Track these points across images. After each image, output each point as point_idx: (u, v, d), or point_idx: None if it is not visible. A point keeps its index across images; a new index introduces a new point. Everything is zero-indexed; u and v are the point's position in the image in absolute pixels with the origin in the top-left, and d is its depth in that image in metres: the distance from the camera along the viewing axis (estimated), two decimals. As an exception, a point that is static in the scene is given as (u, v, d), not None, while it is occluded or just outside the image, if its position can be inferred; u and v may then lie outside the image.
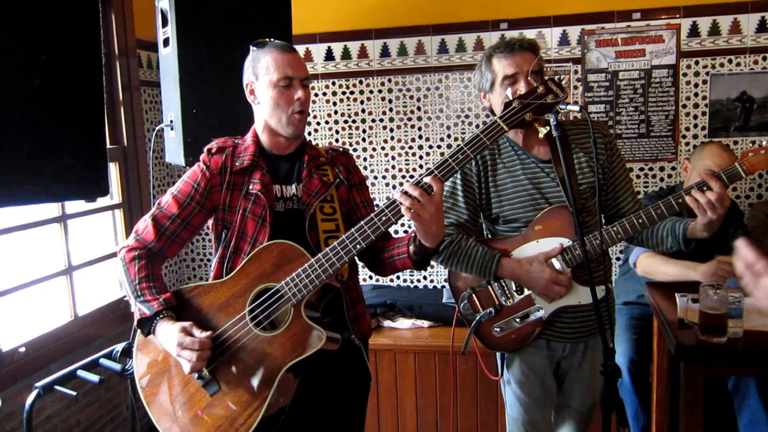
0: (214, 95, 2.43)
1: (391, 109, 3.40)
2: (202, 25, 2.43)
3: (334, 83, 3.44)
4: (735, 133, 3.06)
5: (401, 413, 3.00)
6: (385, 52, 3.36)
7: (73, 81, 1.56)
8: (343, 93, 3.44)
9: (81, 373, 2.08)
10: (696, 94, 3.08)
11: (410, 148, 3.42)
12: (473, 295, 1.93)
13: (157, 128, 2.83)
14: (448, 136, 3.37)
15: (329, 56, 3.42)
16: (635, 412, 2.60)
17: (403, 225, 3.41)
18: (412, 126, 3.40)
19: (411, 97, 3.37)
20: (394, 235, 1.82)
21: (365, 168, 3.46)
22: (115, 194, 3.14)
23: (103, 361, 2.15)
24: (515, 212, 1.89)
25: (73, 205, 2.81)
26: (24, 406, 1.99)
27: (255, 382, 1.55)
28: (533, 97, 1.50)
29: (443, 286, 3.43)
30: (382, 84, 3.39)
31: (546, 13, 3.15)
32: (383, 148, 3.45)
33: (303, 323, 1.54)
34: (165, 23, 2.44)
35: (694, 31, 3.03)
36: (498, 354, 2.03)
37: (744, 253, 1.14)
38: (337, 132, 3.48)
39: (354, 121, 3.45)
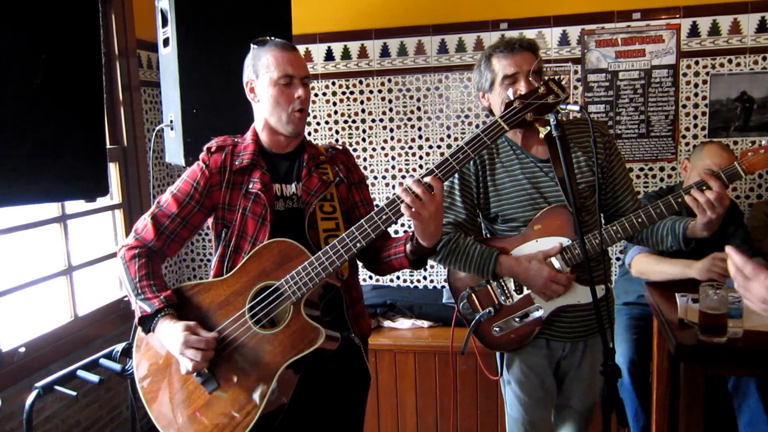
0: (214, 95, 2.43)
1: (391, 109, 3.40)
2: (202, 25, 2.43)
3: (334, 83, 3.44)
4: (735, 133, 3.06)
5: (401, 413, 3.00)
6: (385, 52, 3.36)
7: (73, 81, 1.56)
8: (343, 93, 3.44)
9: (81, 373, 2.08)
10: (696, 94, 3.08)
11: (410, 148, 3.42)
12: (472, 295, 1.93)
13: (157, 128, 2.83)
14: (448, 136, 3.37)
15: (329, 56, 3.42)
16: (635, 412, 2.60)
17: (403, 225, 3.41)
18: (412, 126, 3.40)
19: (411, 97, 3.37)
20: (393, 235, 1.82)
21: (365, 168, 3.46)
22: (115, 194, 3.14)
23: (103, 361, 2.15)
24: (514, 212, 1.89)
25: (73, 205, 2.81)
26: (24, 406, 1.99)
27: (253, 379, 1.55)
28: (534, 97, 1.50)
29: (443, 286, 3.43)
30: (382, 84, 3.39)
31: (546, 13, 3.15)
32: (383, 148, 3.45)
33: (302, 321, 1.54)
34: (165, 23, 2.44)
35: (694, 31, 3.03)
36: (498, 354, 2.03)
37: (734, 257, 1.16)
38: (337, 132, 3.48)
39: (354, 121, 3.46)
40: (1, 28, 1.40)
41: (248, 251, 1.62)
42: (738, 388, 2.46)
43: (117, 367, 2.10)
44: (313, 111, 3.47)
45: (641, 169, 3.19)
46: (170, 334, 1.55)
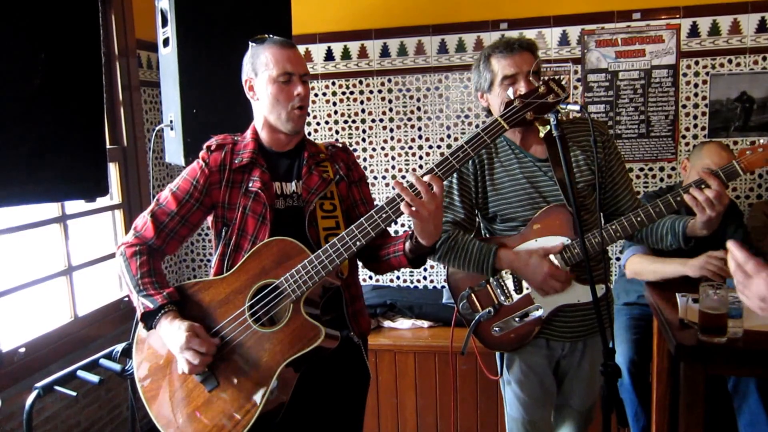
0: (214, 95, 2.44)
1: (391, 109, 3.41)
2: (202, 25, 2.43)
3: (334, 83, 3.44)
4: (735, 134, 3.06)
5: (401, 413, 3.00)
6: (385, 52, 3.36)
7: (72, 81, 1.56)
8: (343, 93, 3.44)
9: (81, 373, 2.08)
10: (696, 94, 3.08)
11: (410, 148, 3.42)
12: (472, 295, 1.93)
13: (157, 128, 2.83)
14: (448, 136, 3.37)
15: (329, 56, 3.42)
16: (635, 412, 2.60)
17: (403, 225, 3.41)
18: (412, 126, 3.40)
19: (411, 97, 3.38)
20: (392, 234, 1.82)
21: (365, 168, 3.46)
22: (115, 194, 3.14)
23: (103, 361, 2.14)
24: (513, 211, 1.89)
25: (73, 205, 2.81)
26: (24, 406, 1.99)
27: (253, 377, 1.55)
28: (534, 96, 1.51)
29: (443, 286, 3.43)
30: (382, 84, 3.39)
31: (546, 13, 3.16)
32: (383, 148, 3.45)
33: (302, 319, 1.54)
34: (165, 23, 2.44)
35: (694, 32, 3.03)
36: (497, 354, 2.03)
37: (735, 254, 1.14)
38: (337, 132, 3.48)
39: (354, 121, 3.46)
40: (1, 28, 1.40)
41: (248, 250, 1.62)
42: (738, 389, 2.46)
43: (117, 367, 2.10)
44: (313, 111, 3.48)
45: (641, 169, 3.19)
46: (172, 332, 1.55)
